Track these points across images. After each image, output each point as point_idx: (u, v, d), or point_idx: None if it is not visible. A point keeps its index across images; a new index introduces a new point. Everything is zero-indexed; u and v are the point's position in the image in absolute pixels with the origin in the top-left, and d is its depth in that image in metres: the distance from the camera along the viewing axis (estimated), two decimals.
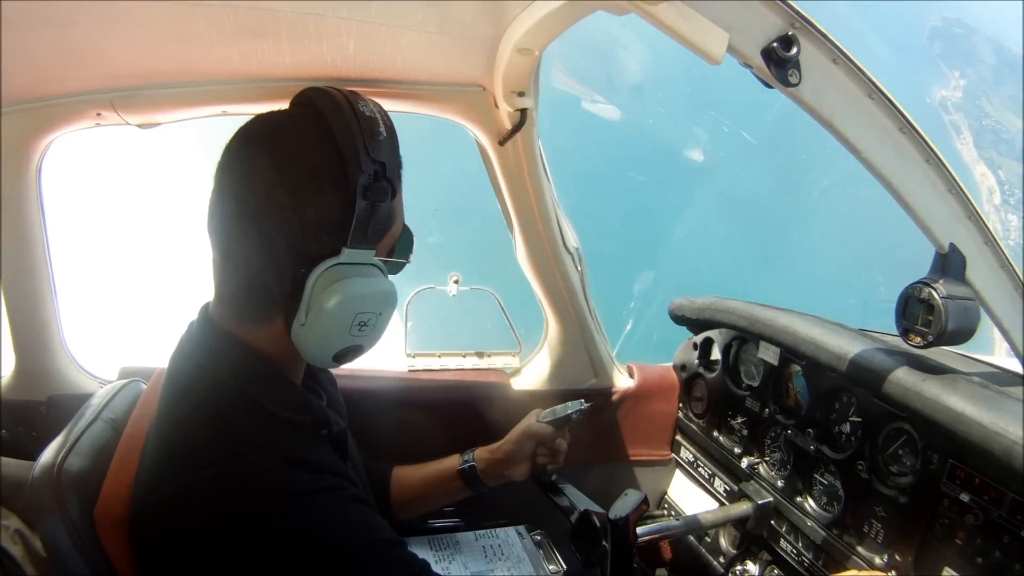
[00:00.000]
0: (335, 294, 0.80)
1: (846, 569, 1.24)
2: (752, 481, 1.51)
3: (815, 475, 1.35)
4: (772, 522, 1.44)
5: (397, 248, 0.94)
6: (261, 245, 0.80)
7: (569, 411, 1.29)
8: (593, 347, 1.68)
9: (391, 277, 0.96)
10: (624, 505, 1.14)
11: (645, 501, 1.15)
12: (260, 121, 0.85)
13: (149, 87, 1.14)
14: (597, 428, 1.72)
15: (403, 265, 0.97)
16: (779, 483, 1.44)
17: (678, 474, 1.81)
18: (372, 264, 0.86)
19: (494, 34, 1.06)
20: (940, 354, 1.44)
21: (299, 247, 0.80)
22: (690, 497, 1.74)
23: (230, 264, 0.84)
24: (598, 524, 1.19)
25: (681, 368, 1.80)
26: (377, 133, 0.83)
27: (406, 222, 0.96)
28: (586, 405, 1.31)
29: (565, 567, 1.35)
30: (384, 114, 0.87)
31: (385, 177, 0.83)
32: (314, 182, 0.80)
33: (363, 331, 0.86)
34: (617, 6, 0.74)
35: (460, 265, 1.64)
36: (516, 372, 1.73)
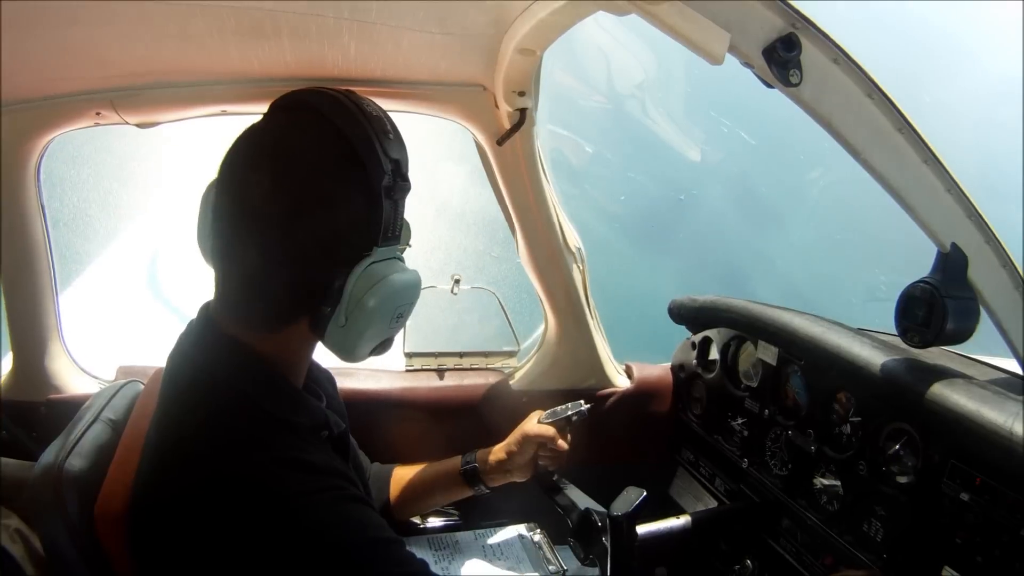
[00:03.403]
0: (377, 292, 0.82)
1: (846, 568, 1.24)
2: (752, 480, 1.51)
3: (815, 475, 1.35)
4: (772, 521, 1.44)
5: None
6: (289, 257, 0.80)
7: (570, 412, 1.30)
8: (593, 347, 1.68)
9: None
10: (625, 502, 1.14)
11: (646, 499, 1.15)
12: (263, 131, 0.84)
13: (149, 87, 1.14)
14: (597, 428, 1.71)
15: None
16: (779, 483, 1.44)
17: (678, 473, 1.81)
18: (397, 258, 0.88)
19: (495, 34, 1.06)
20: (940, 354, 1.44)
21: (332, 253, 0.81)
22: (690, 496, 1.74)
23: (244, 274, 0.83)
24: (599, 523, 1.19)
25: (680, 368, 1.80)
26: (387, 131, 0.84)
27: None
28: (587, 406, 1.31)
29: (565, 567, 1.35)
30: (384, 111, 0.87)
31: (401, 174, 0.85)
32: (339, 188, 0.80)
33: (398, 323, 0.89)
34: (618, 6, 0.74)
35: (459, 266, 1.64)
36: (515, 372, 1.73)
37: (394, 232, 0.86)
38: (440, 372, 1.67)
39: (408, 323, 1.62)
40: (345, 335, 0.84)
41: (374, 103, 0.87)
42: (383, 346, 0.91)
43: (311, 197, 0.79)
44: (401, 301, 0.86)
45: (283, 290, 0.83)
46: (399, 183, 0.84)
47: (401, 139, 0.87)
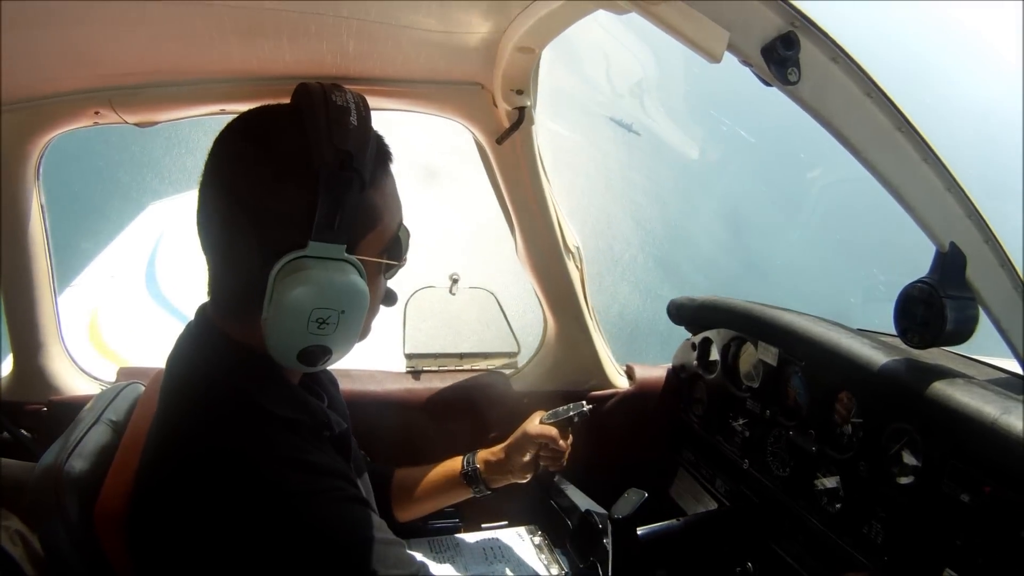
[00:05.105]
0: (290, 286, 0.77)
1: (847, 570, 1.24)
2: (753, 481, 1.51)
3: (816, 475, 1.35)
4: (773, 522, 1.44)
5: (390, 250, 0.90)
6: (235, 238, 0.80)
7: (571, 412, 1.29)
8: (593, 348, 1.68)
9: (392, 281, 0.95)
10: (626, 504, 1.14)
11: (647, 501, 1.15)
12: (246, 113, 0.84)
13: (148, 86, 1.14)
14: (598, 429, 1.71)
15: (395, 268, 0.93)
16: (780, 484, 1.44)
17: (679, 474, 1.81)
18: (344, 260, 0.80)
19: (494, 33, 1.06)
20: (940, 354, 1.44)
21: (268, 240, 0.78)
22: (691, 497, 1.74)
23: (210, 258, 0.84)
24: (600, 524, 1.19)
25: (680, 369, 1.80)
26: (346, 122, 0.78)
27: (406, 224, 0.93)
28: (588, 406, 1.31)
29: (566, 568, 1.35)
30: (362, 106, 0.83)
31: (352, 167, 0.77)
32: (281, 173, 0.78)
33: (324, 329, 0.80)
34: (618, 5, 0.74)
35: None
36: (515, 373, 1.72)
37: (337, 229, 0.78)
38: (440, 373, 1.67)
39: (408, 324, 1.64)
40: (268, 329, 0.79)
41: (356, 97, 0.83)
42: (313, 355, 0.82)
43: (256, 188, 0.78)
44: (320, 303, 0.78)
45: (236, 274, 0.82)
46: (344, 174, 0.77)
47: (366, 134, 0.81)
